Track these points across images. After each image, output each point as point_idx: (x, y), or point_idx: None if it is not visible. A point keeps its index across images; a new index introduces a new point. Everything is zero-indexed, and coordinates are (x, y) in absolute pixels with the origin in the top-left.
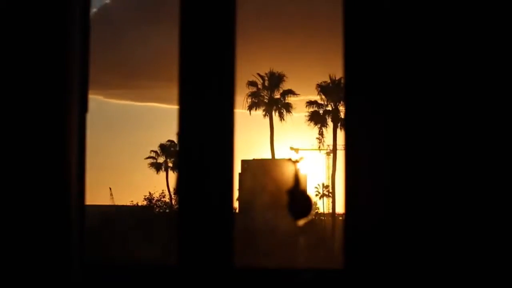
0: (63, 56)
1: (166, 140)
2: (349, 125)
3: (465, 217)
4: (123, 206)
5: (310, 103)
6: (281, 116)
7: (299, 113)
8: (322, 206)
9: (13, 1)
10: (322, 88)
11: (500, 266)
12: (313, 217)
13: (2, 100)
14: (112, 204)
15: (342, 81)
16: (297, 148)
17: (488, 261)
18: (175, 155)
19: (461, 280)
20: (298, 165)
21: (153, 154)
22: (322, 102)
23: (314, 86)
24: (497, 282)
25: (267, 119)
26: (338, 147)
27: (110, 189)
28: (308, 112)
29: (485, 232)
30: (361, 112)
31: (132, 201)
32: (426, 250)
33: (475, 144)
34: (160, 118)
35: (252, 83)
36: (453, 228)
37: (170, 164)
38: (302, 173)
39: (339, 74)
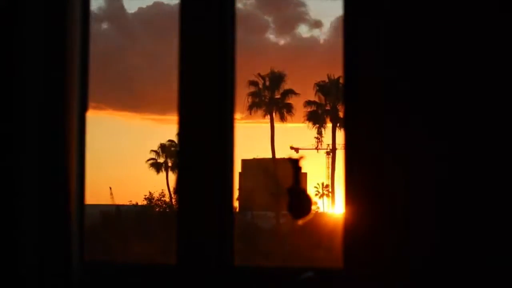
0: (63, 56)
1: (167, 140)
2: (348, 125)
3: (465, 216)
4: (123, 205)
5: (309, 103)
6: (281, 116)
7: (300, 113)
8: (322, 205)
9: (14, 0)
10: (320, 88)
11: (502, 266)
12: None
13: (2, 99)
14: (112, 203)
15: (341, 80)
16: (297, 148)
17: (488, 260)
18: (175, 155)
19: (461, 279)
20: (299, 164)
21: (153, 155)
22: (320, 102)
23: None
24: (497, 280)
25: (268, 118)
26: (337, 146)
27: (110, 188)
28: (306, 112)
29: (484, 231)
30: (360, 112)
31: (130, 200)
32: (425, 249)
33: (474, 144)
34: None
35: (253, 83)
36: (452, 227)
37: (170, 164)
38: (302, 172)
39: (337, 73)
